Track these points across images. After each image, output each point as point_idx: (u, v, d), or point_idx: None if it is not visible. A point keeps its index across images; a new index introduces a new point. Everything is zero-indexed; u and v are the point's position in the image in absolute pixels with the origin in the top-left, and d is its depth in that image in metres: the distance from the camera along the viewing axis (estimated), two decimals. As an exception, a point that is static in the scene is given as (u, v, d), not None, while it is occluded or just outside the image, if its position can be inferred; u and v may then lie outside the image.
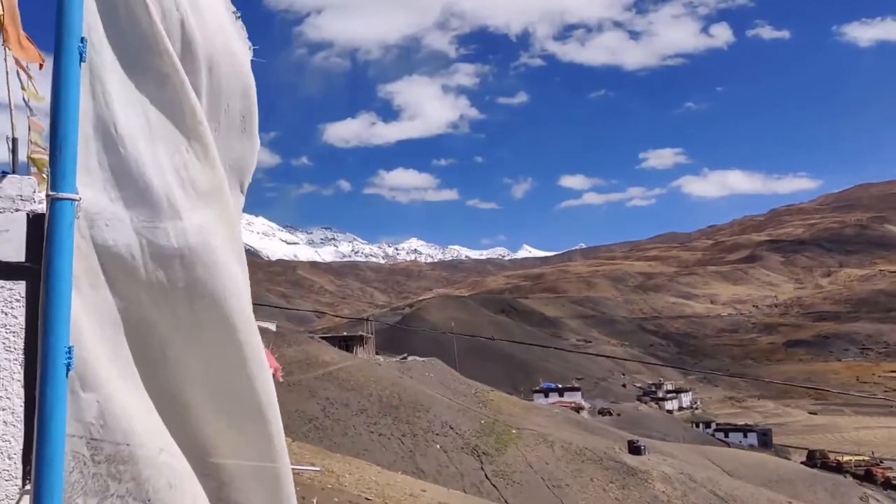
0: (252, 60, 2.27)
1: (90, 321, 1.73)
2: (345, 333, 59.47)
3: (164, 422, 1.86)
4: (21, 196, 1.85)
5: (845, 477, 50.01)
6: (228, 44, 2.17)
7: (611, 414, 71.89)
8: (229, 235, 2.06)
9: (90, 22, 1.74)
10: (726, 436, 75.98)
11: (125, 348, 1.83)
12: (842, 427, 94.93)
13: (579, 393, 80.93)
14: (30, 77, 3.02)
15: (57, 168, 1.65)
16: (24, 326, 1.79)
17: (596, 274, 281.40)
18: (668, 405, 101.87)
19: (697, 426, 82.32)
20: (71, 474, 1.68)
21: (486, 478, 27.14)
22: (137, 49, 1.90)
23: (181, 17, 1.95)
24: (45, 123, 3.24)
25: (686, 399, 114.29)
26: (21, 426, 1.76)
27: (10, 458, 1.74)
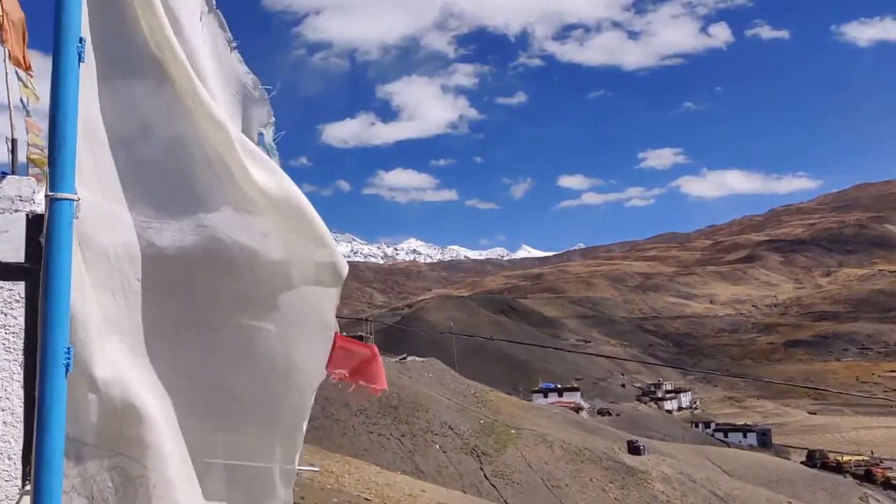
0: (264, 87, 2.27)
1: (89, 320, 1.73)
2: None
3: (157, 424, 1.84)
4: (20, 197, 1.85)
5: (845, 477, 50.00)
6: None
7: (610, 414, 71.91)
8: (235, 234, 2.05)
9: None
10: (726, 436, 75.98)
11: (116, 349, 1.83)
12: (841, 427, 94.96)
13: (578, 393, 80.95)
14: (30, 76, 3.02)
15: (56, 168, 1.65)
16: (23, 327, 1.79)
17: (595, 274, 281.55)
18: (668, 405, 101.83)
19: (697, 426, 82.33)
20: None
21: (486, 478, 27.15)
22: (130, 51, 1.90)
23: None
24: (42, 124, 3.24)
25: (685, 399, 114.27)
26: (21, 427, 1.76)
27: (9, 459, 1.75)
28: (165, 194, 2.00)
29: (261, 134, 2.33)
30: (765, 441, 76.64)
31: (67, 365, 1.61)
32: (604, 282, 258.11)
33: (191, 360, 2.00)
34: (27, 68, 2.88)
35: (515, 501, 25.99)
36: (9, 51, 2.66)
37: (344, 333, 2.62)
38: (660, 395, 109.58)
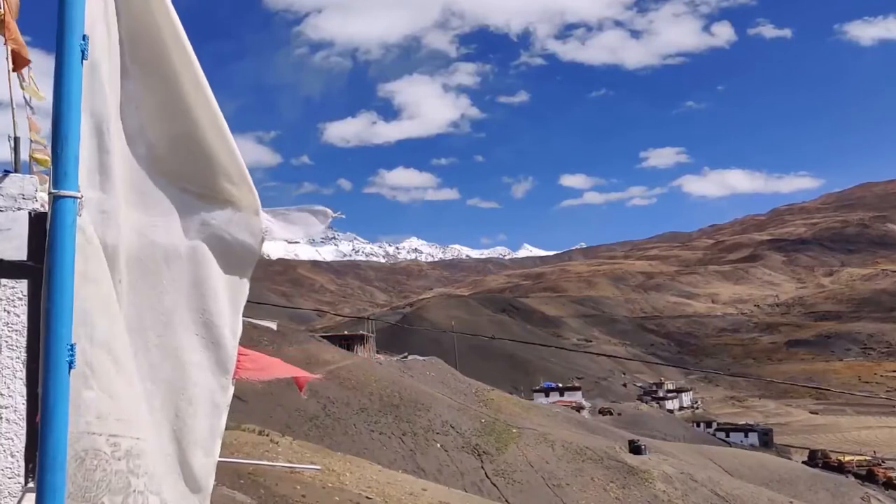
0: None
1: (100, 318, 1.74)
2: (345, 332, 59.46)
3: (160, 417, 1.87)
4: (23, 195, 1.86)
5: (847, 477, 49.96)
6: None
7: (611, 413, 71.83)
8: (236, 232, 2.07)
9: (88, 20, 1.74)
10: (727, 435, 75.91)
11: (124, 342, 1.84)
12: (843, 427, 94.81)
13: (580, 392, 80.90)
14: (30, 76, 3.01)
15: (59, 166, 1.65)
16: (26, 325, 1.79)
17: (596, 273, 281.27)
18: (669, 405, 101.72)
19: (698, 426, 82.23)
20: (94, 472, 1.66)
21: (487, 477, 27.16)
22: (137, 48, 1.90)
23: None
24: (43, 123, 3.24)
25: (687, 398, 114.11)
26: (24, 424, 1.76)
27: (12, 456, 1.75)
28: (168, 193, 2.01)
29: None
30: (766, 441, 76.55)
31: (70, 362, 1.61)
32: (605, 281, 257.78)
33: (183, 357, 2.02)
34: (18, 67, 2.88)
35: (516, 500, 25.99)
36: (13, 49, 2.65)
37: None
38: (661, 394, 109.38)
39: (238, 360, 2.16)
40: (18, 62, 2.47)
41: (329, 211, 2.23)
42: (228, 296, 2.08)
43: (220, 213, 2.04)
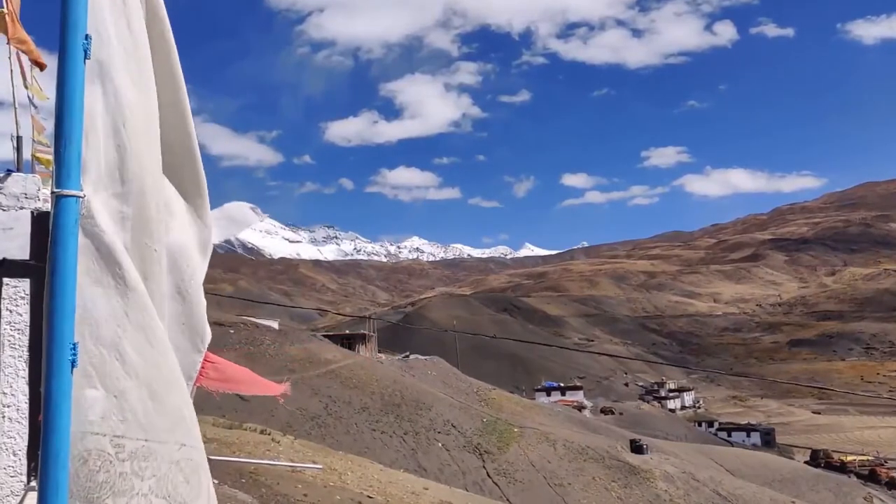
0: None
1: (106, 317, 1.74)
2: (347, 332, 59.47)
3: (179, 415, 1.87)
4: (25, 194, 1.86)
5: (849, 477, 49.87)
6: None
7: (613, 413, 71.77)
8: (198, 239, 2.11)
9: (98, 17, 1.74)
10: (729, 435, 75.82)
11: (136, 342, 1.85)
12: (845, 427, 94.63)
13: (581, 392, 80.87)
14: (32, 76, 3.01)
15: (61, 165, 1.65)
16: (28, 324, 1.80)
17: (598, 273, 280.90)
18: (671, 404, 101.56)
19: (700, 425, 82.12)
20: (98, 474, 1.64)
21: (488, 476, 27.17)
22: (145, 46, 1.91)
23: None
24: (46, 123, 3.25)
25: (689, 398, 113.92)
26: (26, 423, 1.77)
27: (14, 455, 1.76)
28: (172, 192, 2.02)
29: None
30: (768, 440, 76.44)
31: (73, 361, 1.61)
32: (607, 280, 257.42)
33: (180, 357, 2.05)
34: (41, 68, 2.89)
35: (518, 500, 25.99)
36: (19, 49, 2.66)
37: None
38: (663, 393, 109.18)
39: (202, 368, 2.13)
40: (39, 64, 2.50)
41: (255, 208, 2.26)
42: (201, 301, 2.09)
43: (188, 221, 2.06)
